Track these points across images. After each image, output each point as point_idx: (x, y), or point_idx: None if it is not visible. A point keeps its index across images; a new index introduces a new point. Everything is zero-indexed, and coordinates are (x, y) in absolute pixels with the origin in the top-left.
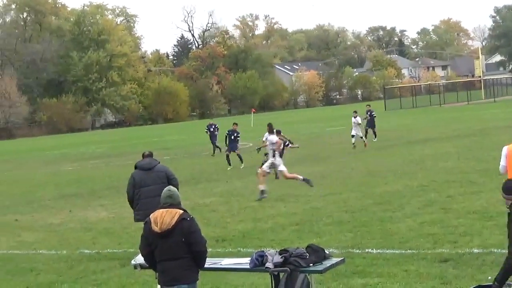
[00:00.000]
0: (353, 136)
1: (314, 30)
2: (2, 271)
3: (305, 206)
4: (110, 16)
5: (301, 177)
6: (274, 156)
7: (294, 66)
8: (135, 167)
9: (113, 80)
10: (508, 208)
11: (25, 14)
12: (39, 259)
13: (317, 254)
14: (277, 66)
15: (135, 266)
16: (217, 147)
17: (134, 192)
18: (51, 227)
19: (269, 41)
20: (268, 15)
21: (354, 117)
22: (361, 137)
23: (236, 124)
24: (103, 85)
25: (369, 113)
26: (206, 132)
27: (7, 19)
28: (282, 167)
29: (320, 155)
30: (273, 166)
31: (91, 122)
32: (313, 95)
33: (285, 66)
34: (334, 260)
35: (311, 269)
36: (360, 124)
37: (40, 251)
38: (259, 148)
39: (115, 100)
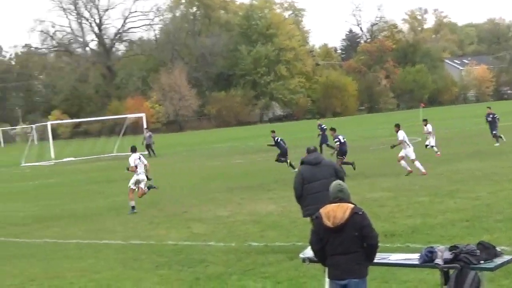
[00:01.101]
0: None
1: (484, 23)
2: (172, 262)
3: (475, 202)
4: (278, 10)
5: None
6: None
7: (464, 60)
8: (302, 163)
9: (281, 74)
10: None
11: (194, 9)
12: (208, 251)
13: (488, 251)
14: (446, 61)
15: (304, 260)
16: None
17: (302, 187)
18: (220, 219)
19: (438, 35)
20: (437, 9)
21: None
22: None
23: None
24: (271, 79)
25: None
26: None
27: (177, 14)
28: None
29: (492, 151)
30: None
31: (260, 116)
32: (483, 90)
33: (455, 61)
34: (506, 257)
35: (481, 266)
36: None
37: (209, 243)
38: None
39: (283, 94)
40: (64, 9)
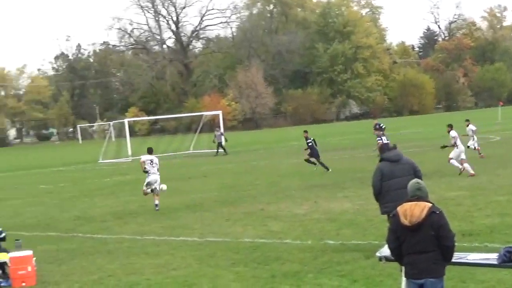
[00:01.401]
0: None
1: None
2: (248, 259)
3: None
4: (355, 8)
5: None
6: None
7: None
8: (382, 159)
9: (358, 72)
10: None
11: (271, 6)
12: (284, 249)
13: None
14: None
15: (380, 258)
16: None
17: (381, 184)
18: (296, 217)
19: None
20: None
21: None
22: None
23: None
24: (348, 77)
25: None
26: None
27: (254, 11)
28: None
29: None
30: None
31: (336, 114)
32: None
33: None
34: None
35: None
36: None
37: (286, 241)
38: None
39: (360, 92)
40: (141, 7)
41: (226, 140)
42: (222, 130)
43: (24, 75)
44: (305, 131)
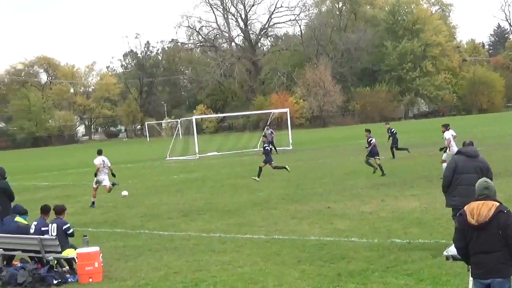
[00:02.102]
0: None
1: None
2: (315, 257)
3: None
4: (425, 6)
5: None
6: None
7: None
8: (458, 152)
9: (427, 70)
10: None
11: (340, 4)
12: (350, 247)
13: None
14: None
15: (447, 258)
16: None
17: (453, 176)
18: (362, 215)
19: None
20: None
21: None
22: None
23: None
24: (417, 75)
25: None
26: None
27: (323, 9)
28: None
29: None
30: None
31: (404, 112)
32: None
33: None
34: None
35: None
36: None
37: (352, 239)
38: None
39: (428, 90)
40: (210, 5)
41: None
42: (271, 129)
43: (93, 72)
44: (368, 130)
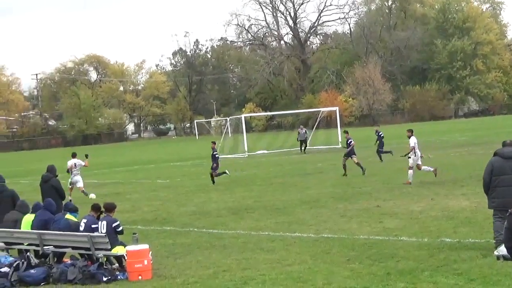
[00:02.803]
0: None
1: None
2: (363, 256)
3: None
4: (475, 3)
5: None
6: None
7: None
8: (495, 154)
9: (477, 68)
10: None
11: (390, 2)
12: (400, 246)
13: None
14: None
15: (498, 257)
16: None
17: (491, 179)
18: (412, 214)
19: None
20: None
21: None
22: None
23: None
24: (467, 73)
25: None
26: None
27: (372, 7)
28: None
29: None
30: None
31: (454, 111)
32: None
33: None
34: None
35: None
36: None
37: (401, 238)
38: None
39: (479, 89)
40: (260, 3)
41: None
42: (305, 128)
43: (142, 70)
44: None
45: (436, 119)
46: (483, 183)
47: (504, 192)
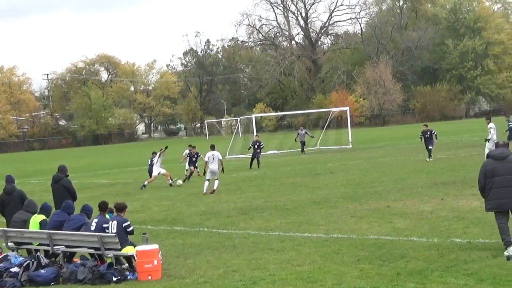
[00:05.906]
0: None
1: None
2: (373, 256)
3: None
4: (487, 4)
5: None
6: None
7: None
8: (487, 156)
9: (488, 68)
10: None
11: (401, 2)
12: (410, 246)
13: None
14: None
15: (508, 258)
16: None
17: (485, 181)
18: (422, 214)
19: None
20: None
21: None
22: None
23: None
24: (478, 73)
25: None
26: None
27: (383, 7)
28: None
29: None
30: None
31: (465, 111)
32: None
33: None
34: None
35: None
36: None
37: (411, 238)
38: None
39: (490, 89)
40: (271, 3)
41: (312, 137)
42: (305, 130)
43: (153, 70)
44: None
45: (446, 119)
46: (479, 186)
47: (498, 193)
